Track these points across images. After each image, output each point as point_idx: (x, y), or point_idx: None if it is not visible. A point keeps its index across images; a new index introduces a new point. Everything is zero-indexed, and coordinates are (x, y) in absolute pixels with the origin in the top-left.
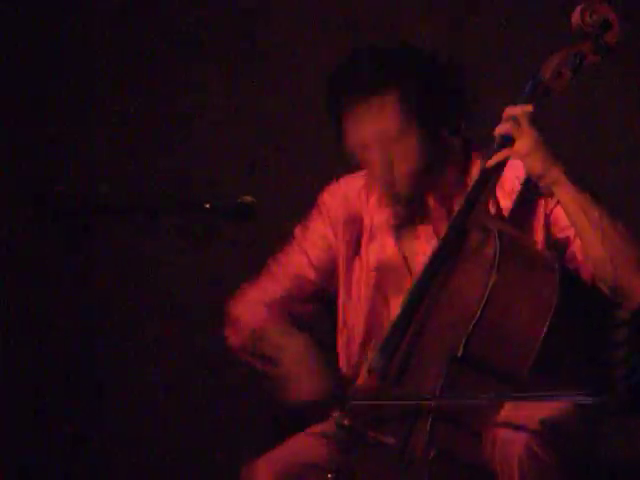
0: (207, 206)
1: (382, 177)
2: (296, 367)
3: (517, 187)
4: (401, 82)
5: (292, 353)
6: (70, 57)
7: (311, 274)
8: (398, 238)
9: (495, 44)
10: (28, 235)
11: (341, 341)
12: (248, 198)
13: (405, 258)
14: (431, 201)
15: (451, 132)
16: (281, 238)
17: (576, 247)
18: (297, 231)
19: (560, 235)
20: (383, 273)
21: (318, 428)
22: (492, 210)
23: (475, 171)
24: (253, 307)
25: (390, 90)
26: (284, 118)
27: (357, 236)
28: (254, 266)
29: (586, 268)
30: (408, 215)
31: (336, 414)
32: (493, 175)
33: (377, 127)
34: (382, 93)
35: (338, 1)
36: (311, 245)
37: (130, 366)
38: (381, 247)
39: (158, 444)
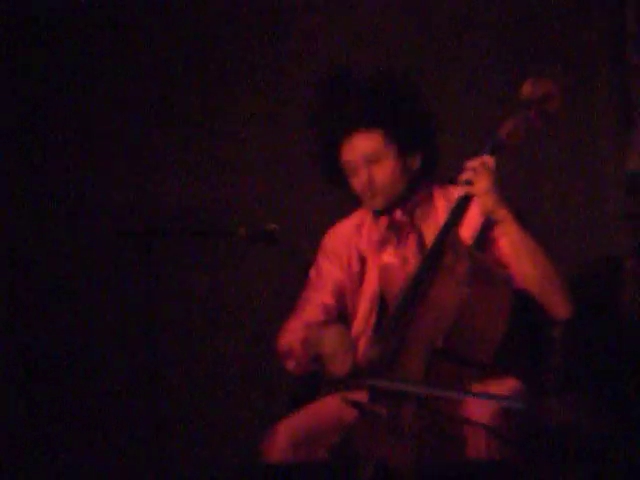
0: (242, 231)
1: (364, 188)
2: (334, 348)
3: (480, 222)
4: (384, 124)
5: (330, 338)
6: (106, 84)
7: (333, 303)
8: (379, 252)
9: (460, 105)
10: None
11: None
12: (272, 225)
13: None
14: (398, 214)
15: (421, 166)
16: (298, 258)
17: (514, 272)
18: (311, 273)
19: (506, 261)
20: (383, 285)
21: (330, 401)
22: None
23: (439, 204)
24: (296, 334)
25: (376, 128)
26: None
27: (360, 267)
28: (278, 279)
29: (519, 284)
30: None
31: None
32: (461, 212)
33: (365, 152)
34: (370, 130)
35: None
36: (324, 284)
37: (188, 349)
38: (373, 270)
39: (197, 411)
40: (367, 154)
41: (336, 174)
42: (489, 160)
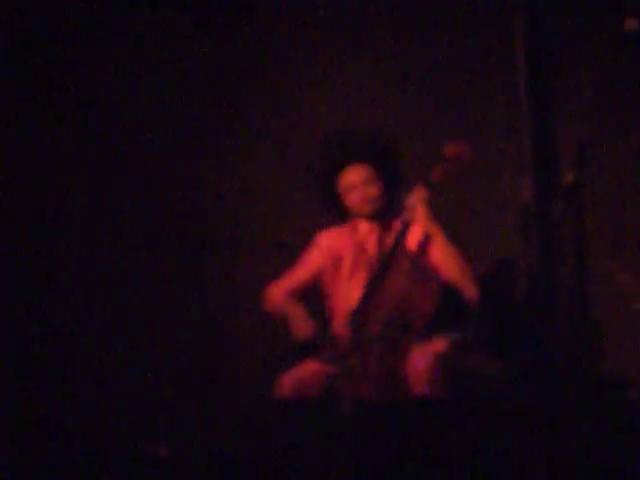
0: (268, 242)
1: (361, 202)
2: (295, 321)
3: (419, 236)
4: (369, 159)
5: (293, 314)
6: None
7: (310, 281)
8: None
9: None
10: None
11: (337, 318)
12: (284, 238)
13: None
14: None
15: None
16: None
17: (441, 270)
18: (303, 254)
19: (435, 264)
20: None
21: (319, 356)
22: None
23: (395, 223)
24: (276, 292)
25: (365, 161)
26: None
27: (340, 264)
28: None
29: (444, 277)
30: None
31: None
32: (407, 227)
33: (360, 177)
34: (361, 163)
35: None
36: (309, 264)
37: (230, 320)
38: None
39: (216, 361)
40: (363, 177)
41: (332, 197)
42: (425, 194)
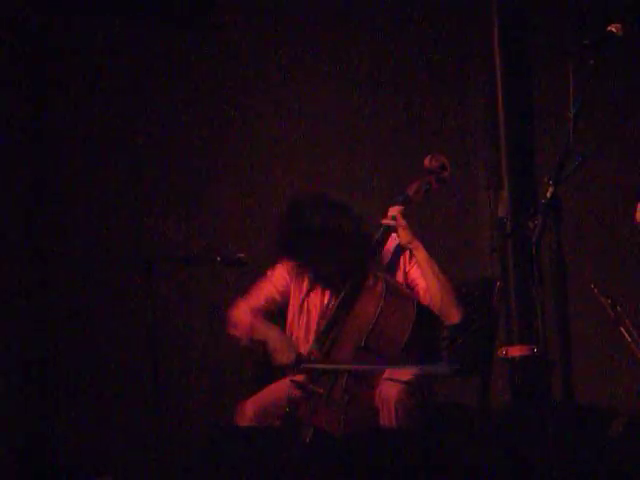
0: (218, 259)
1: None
2: (278, 345)
3: (390, 253)
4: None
5: (274, 337)
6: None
7: (277, 297)
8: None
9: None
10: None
11: (298, 341)
12: (242, 255)
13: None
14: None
15: None
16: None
17: (419, 290)
18: (268, 272)
19: (411, 283)
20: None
21: (282, 384)
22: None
23: None
24: (244, 312)
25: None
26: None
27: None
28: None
29: (424, 300)
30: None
31: (294, 375)
32: (380, 245)
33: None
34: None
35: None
36: (275, 281)
37: (183, 347)
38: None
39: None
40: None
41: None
42: (401, 209)
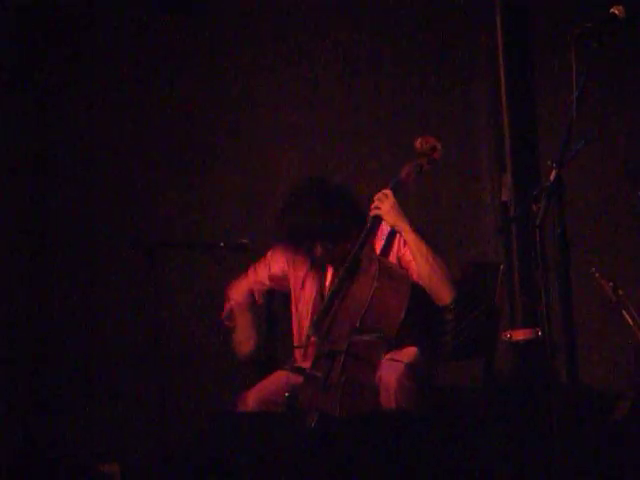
0: (221, 244)
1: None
2: (240, 334)
3: (384, 236)
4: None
5: (242, 325)
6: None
7: (267, 281)
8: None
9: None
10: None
11: (295, 319)
12: (245, 240)
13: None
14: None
15: None
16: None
17: (412, 272)
18: (268, 253)
19: (405, 265)
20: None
21: (284, 369)
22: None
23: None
24: (238, 290)
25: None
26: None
27: (306, 269)
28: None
29: (417, 281)
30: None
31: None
32: (373, 230)
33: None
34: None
35: None
36: (272, 265)
37: (190, 333)
38: (314, 281)
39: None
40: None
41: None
42: (388, 192)
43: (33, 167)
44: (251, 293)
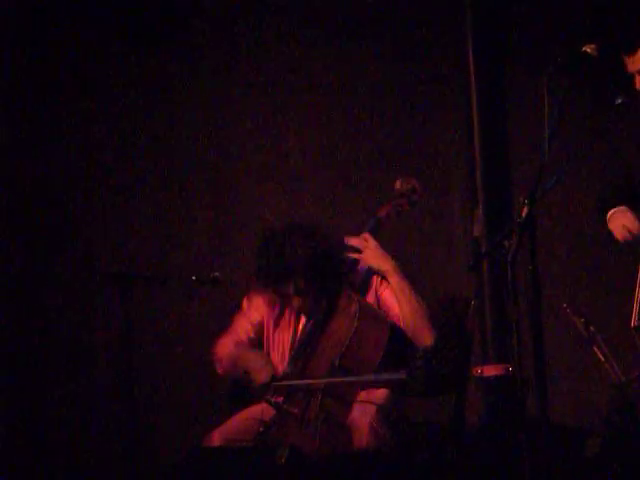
0: (193, 278)
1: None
2: (257, 364)
3: (361, 276)
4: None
5: (253, 358)
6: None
7: (251, 331)
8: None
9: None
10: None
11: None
12: (217, 274)
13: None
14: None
15: None
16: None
17: (392, 314)
18: (244, 302)
19: (384, 306)
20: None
21: (254, 409)
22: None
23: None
24: (226, 348)
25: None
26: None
27: (278, 315)
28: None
29: (398, 323)
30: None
31: (268, 395)
32: (352, 270)
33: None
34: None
35: None
36: (250, 314)
37: (156, 365)
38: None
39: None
40: (294, 291)
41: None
42: (367, 236)
43: (7, 197)
44: (237, 344)
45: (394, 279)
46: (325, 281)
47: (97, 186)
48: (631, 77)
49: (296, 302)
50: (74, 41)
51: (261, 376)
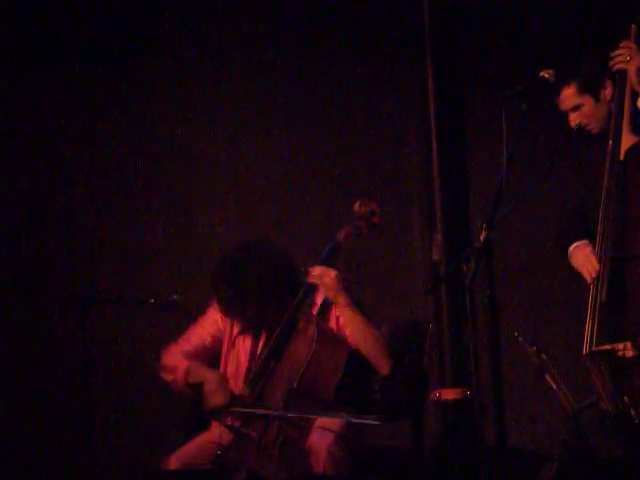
0: (152, 300)
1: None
2: (214, 386)
3: (320, 301)
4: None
5: (210, 378)
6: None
7: (208, 341)
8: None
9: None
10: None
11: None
12: (176, 296)
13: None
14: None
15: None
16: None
17: (349, 339)
18: (200, 317)
19: (342, 330)
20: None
21: (211, 433)
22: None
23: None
24: (176, 357)
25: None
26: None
27: (236, 330)
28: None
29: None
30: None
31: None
32: (309, 293)
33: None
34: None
35: None
36: (207, 325)
37: (115, 384)
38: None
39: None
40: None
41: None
42: (330, 269)
43: None
44: (185, 355)
45: (347, 310)
46: (276, 298)
47: (55, 207)
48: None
49: (252, 320)
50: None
51: (218, 398)
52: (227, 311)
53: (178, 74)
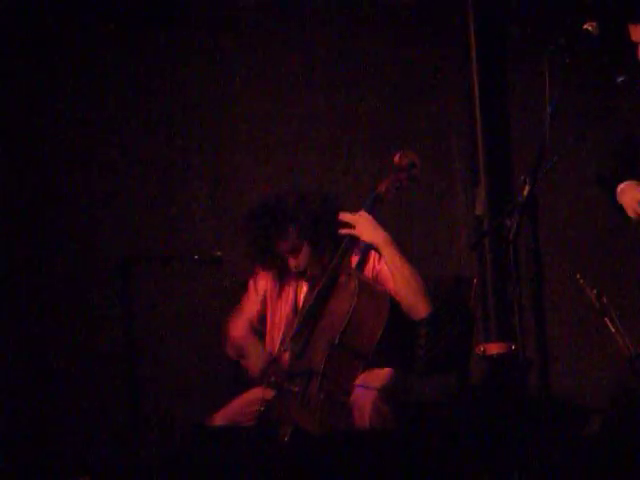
0: (196, 257)
1: (295, 269)
2: (255, 358)
3: (360, 251)
4: (295, 226)
5: (254, 352)
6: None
7: (259, 308)
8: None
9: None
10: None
11: (269, 332)
12: (219, 253)
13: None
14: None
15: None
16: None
17: (389, 287)
18: (250, 282)
19: (382, 281)
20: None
21: (255, 390)
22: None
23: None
24: (238, 328)
25: (288, 229)
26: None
27: (279, 288)
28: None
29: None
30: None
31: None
32: (349, 247)
33: (287, 247)
34: (286, 232)
35: None
36: (259, 289)
37: (160, 347)
38: (289, 293)
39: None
40: (289, 248)
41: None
42: (362, 212)
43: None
44: (250, 323)
45: (386, 251)
46: (318, 233)
47: (96, 170)
48: (633, 48)
49: (292, 263)
50: (68, 27)
51: (257, 368)
52: (265, 255)
53: (213, 32)
